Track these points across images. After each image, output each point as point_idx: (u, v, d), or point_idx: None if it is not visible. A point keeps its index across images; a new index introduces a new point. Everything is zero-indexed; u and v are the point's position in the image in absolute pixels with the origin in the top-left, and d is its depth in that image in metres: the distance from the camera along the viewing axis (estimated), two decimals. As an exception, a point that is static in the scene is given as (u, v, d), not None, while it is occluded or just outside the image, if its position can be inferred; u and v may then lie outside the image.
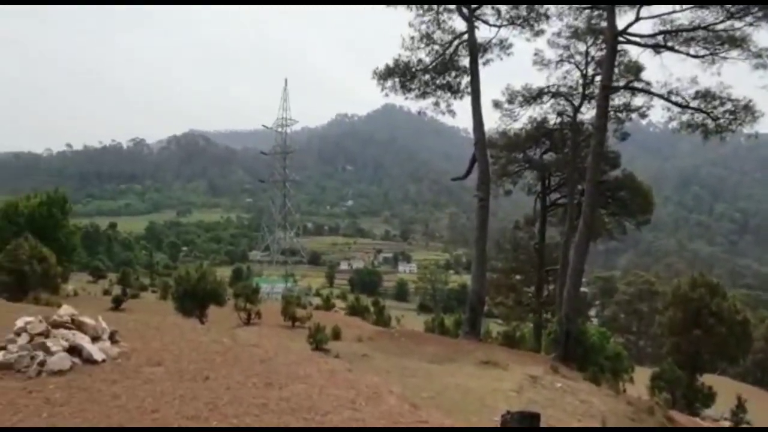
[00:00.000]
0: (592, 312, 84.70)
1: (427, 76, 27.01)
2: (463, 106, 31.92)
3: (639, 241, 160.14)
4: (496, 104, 29.95)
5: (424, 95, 27.35)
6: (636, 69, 26.60)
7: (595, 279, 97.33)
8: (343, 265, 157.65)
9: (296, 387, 7.48)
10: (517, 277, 31.17)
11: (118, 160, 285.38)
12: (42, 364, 7.39)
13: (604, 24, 24.69)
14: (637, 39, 22.70)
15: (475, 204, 25.08)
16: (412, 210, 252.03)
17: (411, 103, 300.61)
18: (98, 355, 8.00)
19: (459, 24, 26.99)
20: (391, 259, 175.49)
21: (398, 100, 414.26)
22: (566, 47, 28.18)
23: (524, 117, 47.13)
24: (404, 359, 16.16)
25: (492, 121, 30.01)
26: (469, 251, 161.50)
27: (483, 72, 26.11)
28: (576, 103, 29.24)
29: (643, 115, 28.77)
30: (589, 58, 28.18)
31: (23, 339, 7.77)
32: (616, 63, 24.71)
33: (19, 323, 8.03)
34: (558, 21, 26.98)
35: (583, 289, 30.45)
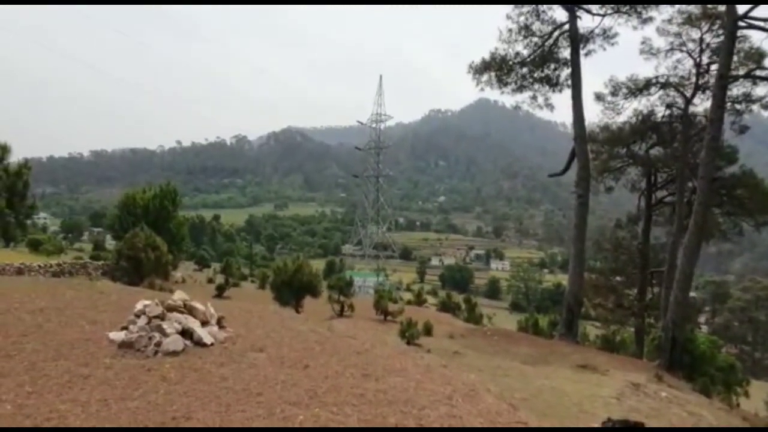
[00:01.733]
0: (702, 319, 78.95)
1: (524, 69, 26.24)
2: (561, 99, 30.79)
3: (756, 243, 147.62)
4: (598, 97, 28.61)
5: (521, 89, 26.61)
6: (758, 56, 24.45)
7: (706, 283, 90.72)
8: (434, 261, 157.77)
9: (393, 380, 7.57)
10: (618, 278, 29.60)
11: (221, 155, 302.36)
12: (158, 344, 7.99)
13: (722, 8, 22.91)
14: (761, 23, 20.78)
15: (572, 201, 24.25)
16: (506, 206, 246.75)
17: (506, 98, 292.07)
18: (208, 339, 8.53)
19: (560, 14, 26.04)
20: (483, 256, 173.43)
21: (493, 94, 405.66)
22: (678, 34, 26.32)
23: (628, 110, 44.81)
24: (497, 358, 15.93)
25: (593, 115, 28.69)
26: (565, 250, 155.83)
27: (584, 63, 25.12)
28: (688, 94, 27.28)
29: (766, 107, 26.33)
30: (704, 46, 26.16)
31: (142, 321, 8.44)
32: (735, 50, 22.78)
33: (139, 306, 8.73)
34: (669, 7, 25.35)
35: (691, 293, 28.43)
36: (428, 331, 19.47)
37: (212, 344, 8.47)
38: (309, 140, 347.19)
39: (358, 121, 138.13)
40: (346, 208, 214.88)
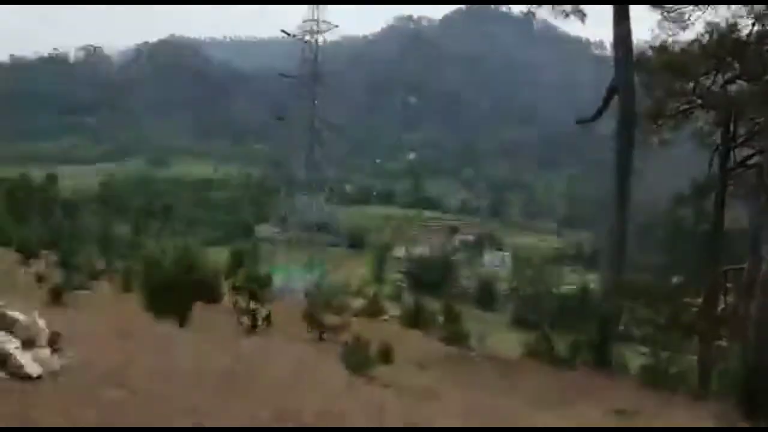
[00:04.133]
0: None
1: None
2: (597, 8, 30.80)
3: None
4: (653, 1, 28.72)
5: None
6: None
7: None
8: (399, 251, 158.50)
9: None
10: (674, 279, 29.88)
11: (61, 79, 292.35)
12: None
13: None
14: None
15: (610, 163, 24.55)
16: (508, 169, 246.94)
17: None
18: (33, 368, 8.22)
19: None
20: (473, 244, 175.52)
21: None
22: None
23: (699, 23, 45.07)
24: (490, 398, 16.04)
25: (644, 30, 28.36)
26: (596, 236, 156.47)
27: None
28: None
29: None
30: None
31: None
32: None
33: None
34: None
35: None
36: (386, 356, 19.51)
37: (40, 376, 8.19)
38: (204, 60, 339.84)
39: (283, 32, 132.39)
40: (262, 168, 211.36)
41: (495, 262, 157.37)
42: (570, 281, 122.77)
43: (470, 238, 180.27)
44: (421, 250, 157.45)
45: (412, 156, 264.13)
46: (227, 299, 26.64)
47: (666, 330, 29.33)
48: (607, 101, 24.67)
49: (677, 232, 30.43)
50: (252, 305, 26.00)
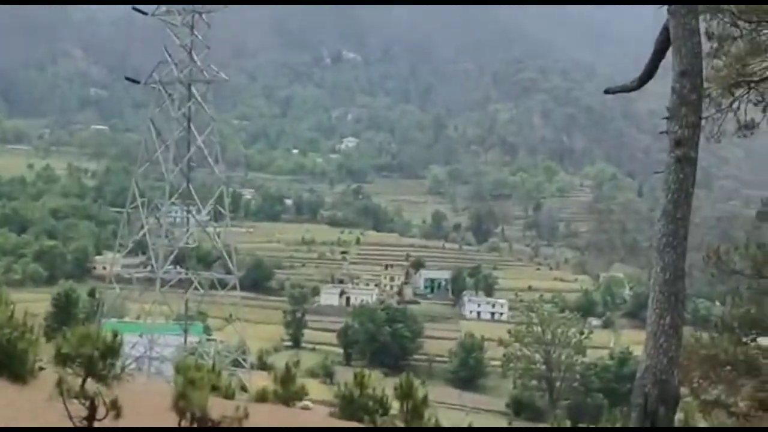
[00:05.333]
0: None
1: None
2: None
3: None
4: None
5: None
6: None
7: None
8: (328, 298, 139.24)
9: None
10: (756, 338, 23.56)
11: None
12: None
13: None
14: None
15: (662, 156, 17.28)
16: (502, 164, 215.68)
17: None
18: None
19: None
20: (446, 284, 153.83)
21: None
22: None
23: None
24: None
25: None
26: (639, 271, 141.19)
27: None
28: None
29: None
30: None
31: None
32: None
33: None
34: None
35: None
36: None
37: None
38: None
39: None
40: (106, 161, 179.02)
41: (482, 314, 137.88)
42: (598, 342, 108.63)
43: (443, 275, 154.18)
44: (364, 295, 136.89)
45: (349, 144, 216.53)
46: (50, 376, 19.43)
47: (746, 415, 22.84)
48: (655, 62, 17.59)
49: (764, 260, 23.17)
50: (86, 386, 17.30)
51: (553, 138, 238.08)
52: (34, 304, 56.75)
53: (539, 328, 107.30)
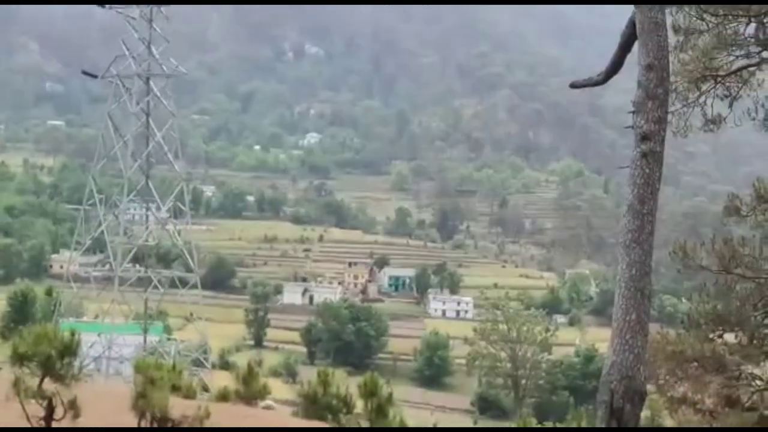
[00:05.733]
0: None
1: None
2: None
3: None
4: None
5: None
6: None
7: None
8: (291, 296, 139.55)
9: None
10: (723, 334, 23.25)
11: None
12: None
13: None
14: None
15: (627, 151, 17.23)
16: (467, 160, 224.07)
17: None
18: None
19: None
20: (411, 282, 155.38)
21: None
22: None
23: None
24: None
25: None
26: (606, 267, 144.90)
27: None
28: None
29: None
30: None
31: None
32: None
33: None
34: None
35: None
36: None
37: None
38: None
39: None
40: (62, 157, 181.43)
41: (447, 312, 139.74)
42: (564, 339, 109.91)
43: (407, 273, 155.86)
44: (327, 293, 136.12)
45: (312, 140, 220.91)
46: (7, 375, 18.28)
47: (715, 415, 22.79)
48: (621, 55, 17.44)
49: (731, 260, 23.16)
50: (44, 385, 16.99)
51: (519, 133, 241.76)
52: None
53: (505, 326, 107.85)
